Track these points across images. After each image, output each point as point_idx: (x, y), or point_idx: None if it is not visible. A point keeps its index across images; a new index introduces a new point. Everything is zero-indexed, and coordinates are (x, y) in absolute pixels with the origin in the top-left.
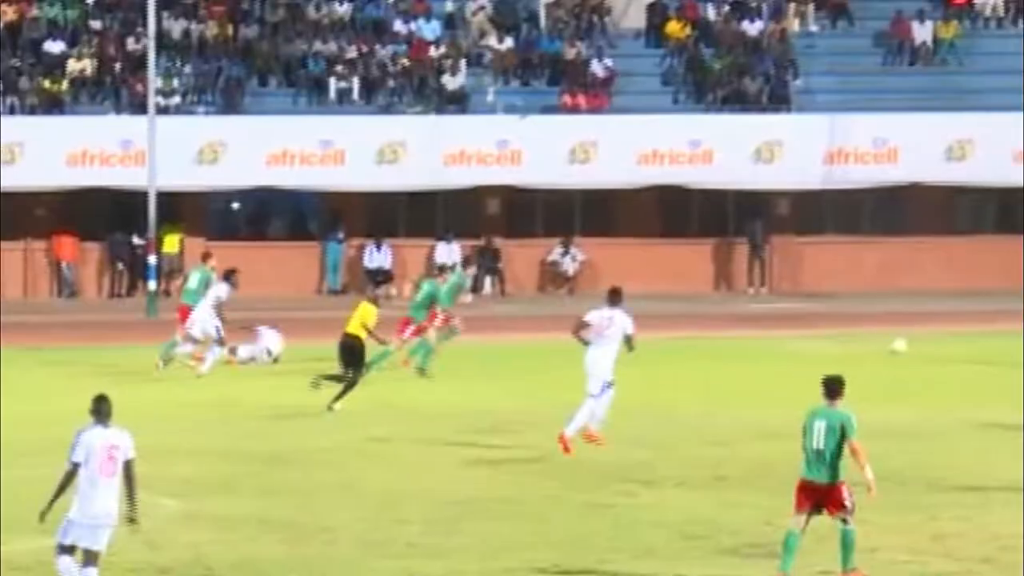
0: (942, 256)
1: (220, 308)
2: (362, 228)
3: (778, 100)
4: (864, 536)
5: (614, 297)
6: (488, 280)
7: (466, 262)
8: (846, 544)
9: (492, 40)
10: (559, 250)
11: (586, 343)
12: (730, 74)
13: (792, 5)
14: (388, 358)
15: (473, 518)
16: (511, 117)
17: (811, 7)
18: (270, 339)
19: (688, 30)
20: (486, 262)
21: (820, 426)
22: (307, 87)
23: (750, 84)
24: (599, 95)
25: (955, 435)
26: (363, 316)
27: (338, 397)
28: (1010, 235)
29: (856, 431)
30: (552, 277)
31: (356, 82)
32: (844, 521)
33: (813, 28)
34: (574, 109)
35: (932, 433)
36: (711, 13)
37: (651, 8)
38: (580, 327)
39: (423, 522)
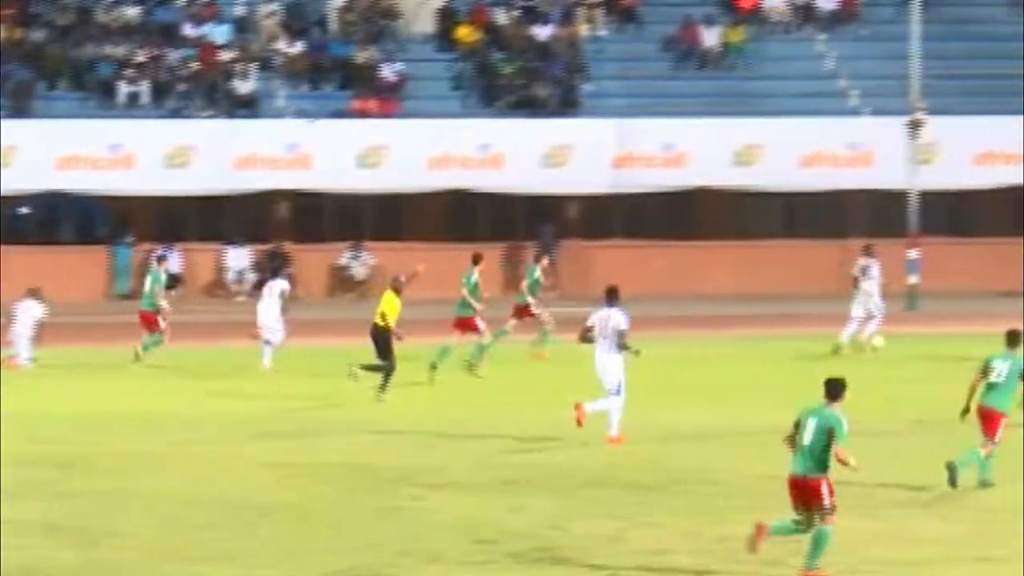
0: (730, 260)
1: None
2: (152, 233)
3: (567, 105)
4: (648, 539)
5: (611, 296)
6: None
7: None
8: (816, 542)
9: (282, 44)
10: (349, 254)
11: (590, 341)
12: (520, 79)
13: (581, 10)
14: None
15: (265, 523)
16: (301, 121)
17: (600, 12)
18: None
19: (478, 34)
20: (275, 266)
21: (812, 423)
22: (96, 91)
23: (540, 89)
24: (389, 99)
25: (740, 437)
26: (386, 305)
27: (382, 386)
28: (798, 239)
29: (845, 438)
30: (342, 281)
31: (145, 86)
32: (820, 519)
33: (602, 33)
34: (364, 113)
35: (718, 435)
36: (501, 18)
37: (441, 12)
38: (585, 331)
39: (216, 527)
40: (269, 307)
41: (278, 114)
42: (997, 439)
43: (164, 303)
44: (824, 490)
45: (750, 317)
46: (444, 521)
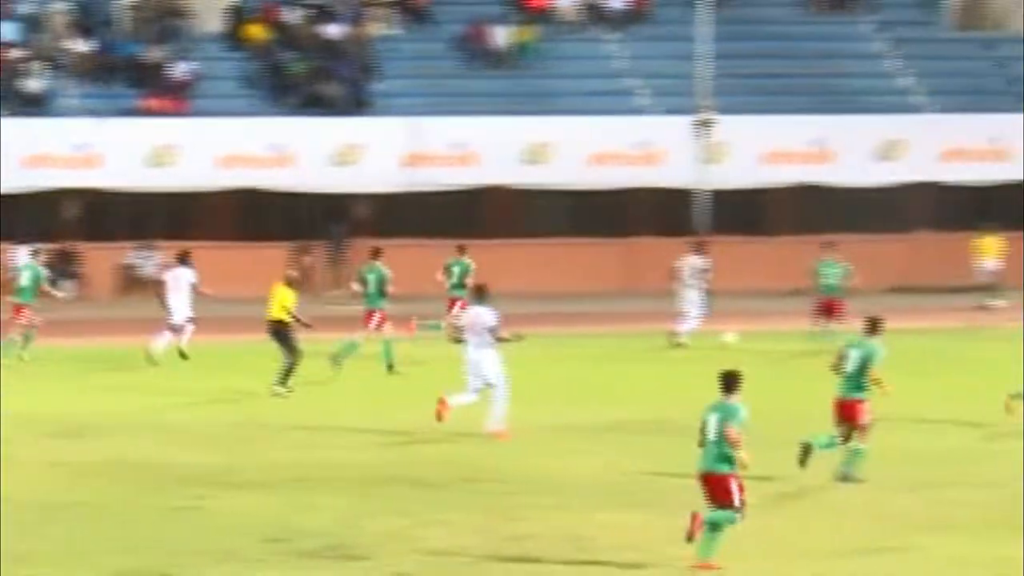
0: (519, 258)
1: None
2: None
3: (358, 104)
4: (440, 536)
5: (478, 294)
6: (67, 284)
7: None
8: (713, 535)
9: (71, 42)
10: (139, 253)
11: (460, 341)
12: (310, 78)
13: (372, 9)
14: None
15: (54, 523)
16: (91, 120)
17: (391, 11)
18: None
19: (268, 33)
20: (64, 266)
21: (713, 419)
22: None
23: (330, 88)
24: (179, 98)
25: (531, 434)
26: (282, 299)
27: (282, 381)
28: (587, 238)
29: (740, 421)
30: (132, 281)
31: None
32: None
33: (393, 32)
34: (154, 112)
35: (510, 432)
36: (291, 17)
37: (231, 11)
38: (455, 330)
39: (3, 527)
40: (180, 298)
41: (67, 113)
42: (864, 425)
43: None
44: (733, 487)
45: (541, 315)
46: (236, 520)
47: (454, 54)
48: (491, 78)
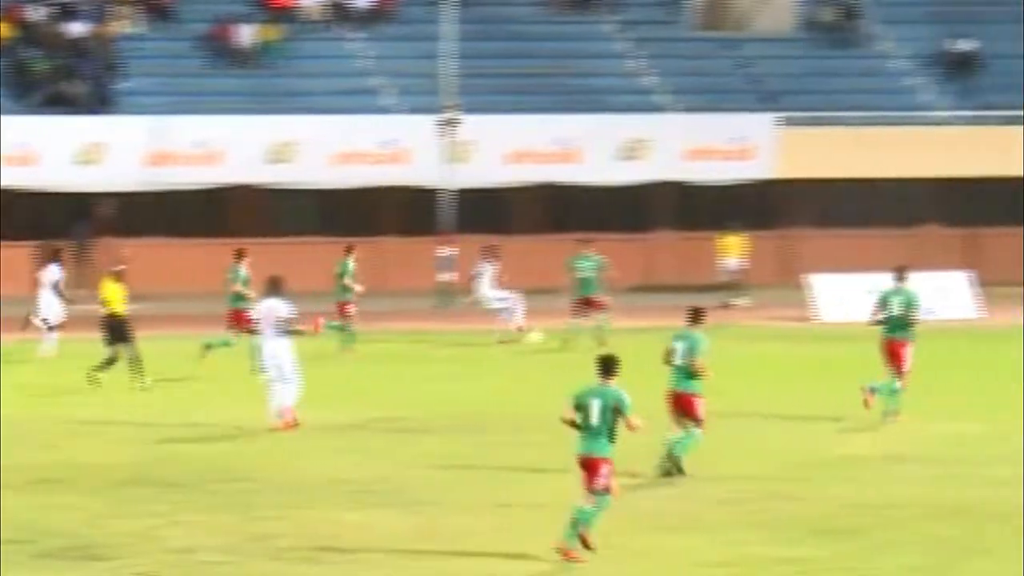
0: (266, 257)
1: None
2: None
3: (101, 102)
4: (181, 536)
5: (273, 287)
6: None
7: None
8: (579, 519)
9: None
10: None
11: (256, 333)
12: (54, 76)
13: (116, 7)
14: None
15: None
16: None
17: (135, 9)
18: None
19: (11, 31)
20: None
21: (596, 403)
22: None
23: (74, 86)
24: None
25: (284, 435)
26: (113, 294)
27: (100, 370)
28: (334, 237)
29: (630, 409)
30: None
31: None
32: (591, 496)
33: (137, 30)
34: None
35: (252, 433)
36: (35, 15)
37: None
38: (252, 323)
39: None
40: (47, 295)
41: None
42: (701, 417)
43: None
44: (604, 470)
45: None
46: None
47: (198, 53)
48: (236, 77)
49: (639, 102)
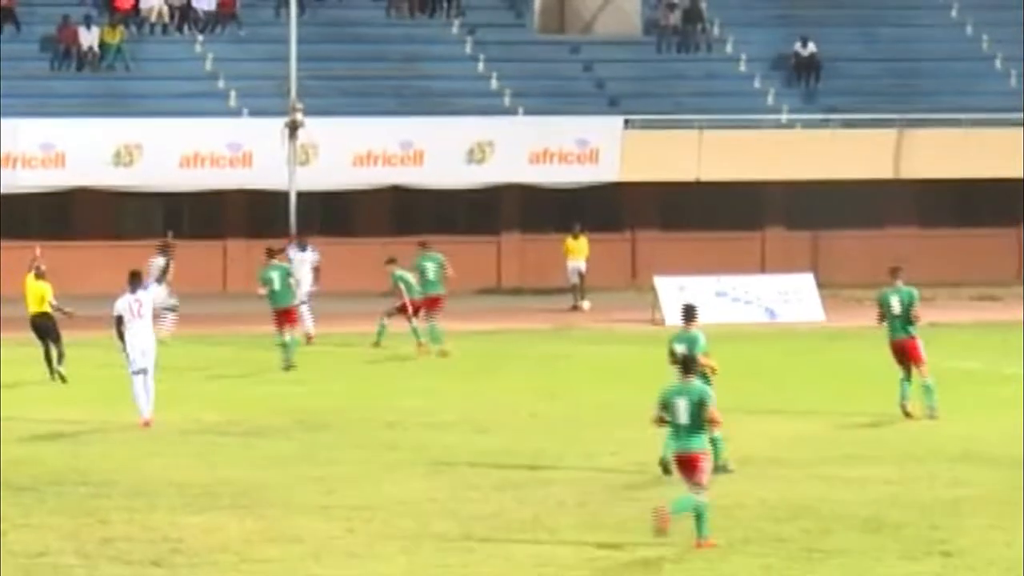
0: (107, 260)
1: None
2: None
3: None
4: (30, 541)
5: (134, 280)
6: None
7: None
8: (698, 515)
9: None
10: None
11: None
12: None
13: None
14: None
15: None
16: None
17: None
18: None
19: None
20: None
21: (682, 402)
22: None
23: None
24: None
25: (124, 436)
26: (38, 292)
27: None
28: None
29: (711, 397)
30: None
31: None
32: (696, 492)
33: None
34: None
35: (91, 434)
36: None
37: None
38: (118, 322)
39: None
40: None
41: None
42: (718, 420)
43: None
44: (702, 465)
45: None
46: None
47: (42, 55)
48: (79, 79)
49: (485, 105)
